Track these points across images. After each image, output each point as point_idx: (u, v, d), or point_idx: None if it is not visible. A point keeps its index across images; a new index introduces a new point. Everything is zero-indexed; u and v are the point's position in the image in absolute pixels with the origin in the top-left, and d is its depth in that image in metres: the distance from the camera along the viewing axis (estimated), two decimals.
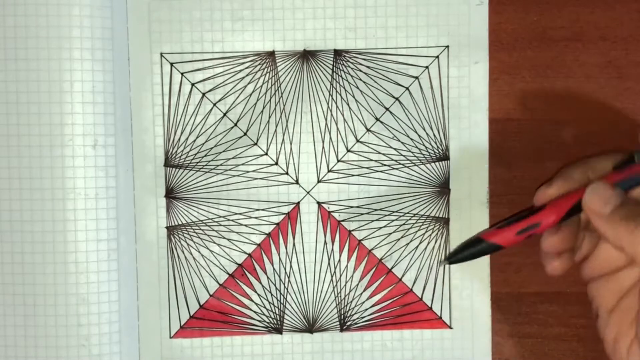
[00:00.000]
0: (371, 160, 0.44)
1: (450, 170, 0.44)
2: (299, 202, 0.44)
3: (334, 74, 0.44)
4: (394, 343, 0.44)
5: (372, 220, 0.44)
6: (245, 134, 0.44)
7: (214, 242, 0.44)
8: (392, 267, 0.44)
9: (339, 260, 0.44)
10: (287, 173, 0.44)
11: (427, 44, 0.44)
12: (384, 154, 0.44)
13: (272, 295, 0.44)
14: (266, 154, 0.44)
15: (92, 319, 0.42)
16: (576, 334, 0.45)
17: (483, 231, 0.40)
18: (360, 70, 0.44)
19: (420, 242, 0.44)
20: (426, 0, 0.43)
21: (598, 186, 0.37)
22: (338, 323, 0.44)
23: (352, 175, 0.44)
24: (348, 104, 0.44)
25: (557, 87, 0.44)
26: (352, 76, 0.44)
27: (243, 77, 0.44)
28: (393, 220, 0.44)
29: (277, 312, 0.44)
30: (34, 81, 0.42)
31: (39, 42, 0.42)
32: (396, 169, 0.44)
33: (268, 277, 0.44)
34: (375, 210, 0.44)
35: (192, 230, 0.44)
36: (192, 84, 0.44)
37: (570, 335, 0.45)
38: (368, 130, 0.44)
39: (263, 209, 0.44)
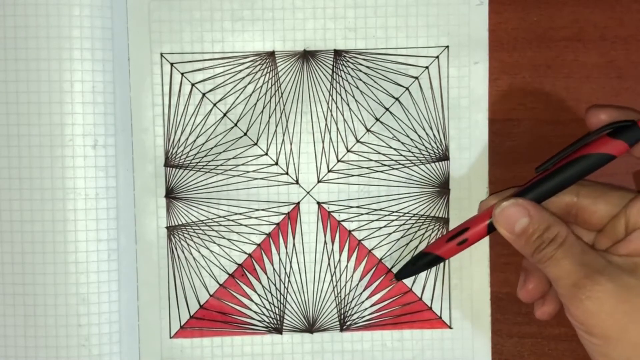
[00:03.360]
0: (371, 160, 0.44)
1: (450, 170, 0.44)
2: (299, 202, 0.44)
3: (334, 74, 0.44)
4: (394, 343, 0.44)
5: (372, 220, 0.44)
6: (245, 134, 0.44)
7: (214, 242, 0.44)
8: (392, 267, 0.44)
9: (339, 260, 0.44)
10: (287, 173, 0.44)
11: (427, 44, 0.44)
12: (384, 154, 0.44)
13: (272, 295, 0.44)
14: (266, 154, 0.44)
15: (92, 319, 0.42)
16: (576, 334, 0.44)
17: (426, 246, 0.42)
18: (360, 71, 0.44)
19: (420, 242, 0.44)
20: (426, 0, 0.43)
21: (502, 209, 0.38)
22: (338, 323, 0.44)
23: (352, 175, 0.44)
24: (348, 104, 0.44)
25: (557, 87, 0.44)
26: (352, 76, 0.44)
27: (243, 77, 0.44)
28: (393, 220, 0.44)
29: (277, 312, 0.44)
30: (34, 81, 0.42)
31: (39, 42, 0.42)
32: (396, 169, 0.44)
33: (268, 277, 0.44)
34: (375, 210, 0.44)
35: (192, 230, 0.44)
36: (192, 84, 0.44)
37: (570, 335, 0.45)
38: (368, 130, 0.44)
39: (263, 209, 0.44)
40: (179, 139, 0.44)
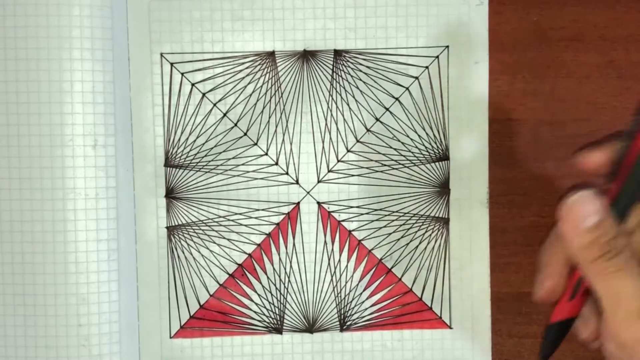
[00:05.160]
0: (371, 160, 0.44)
1: (450, 170, 0.44)
2: (299, 202, 0.44)
3: (334, 74, 0.44)
4: (394, 343, 0.44)
5: (372, 220, 0.44)
6: (245, 134, 0.44)
7: (214, 242, 0.44)
8: (392, 267, 0.44)
9: (339, 260, 0.44)
10: (287, 173, 0.44)
11: (427, 44, 0.44)
12: (384, 154, 0.44)
13: (272, 295, 0.44)
14: (266, 154, 0.44)
15: (92, 319, 0.42)
16: (576, 334, 0.44)
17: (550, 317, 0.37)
18: (360, 71, 0.44)
19: (420, 242, 0.44)
20: (426, 0, 0.43)
21: (577, 199, 0.32)
22: (338, 323, 0.44)
23: (352, 175, 0.44)
24: (348, 104, 0.44)
25: (557, 87, 0.44)
26: (352, 76, 0.44)
27: (243, 77, 0.44)
28: (393, 220, 0.44)
29: (277, 312, 0.44)
30: (34, 81, 0.42)
31: (39, 42, 0.42)
32: (396, 169, 0.44)
33: (268, 277, 0.44)
34: (375, 210, 0.44)
35: (192, 230, 0.44)
36: (192, 84, 0.44)
37: (570, 335, 0.45)
38: (368, 130, 0.44)
39: (263, 209, 0.44)
40: (179, 139, 0.44)
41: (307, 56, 0.44)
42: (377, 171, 0.44)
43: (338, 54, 0.44)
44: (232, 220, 0.44)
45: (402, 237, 0.44)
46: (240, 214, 0.44)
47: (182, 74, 0.44)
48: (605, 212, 0.32)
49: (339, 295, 0.44)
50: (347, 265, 0.44)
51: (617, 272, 0.32)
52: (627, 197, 0.33)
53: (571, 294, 0.35)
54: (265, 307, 0.44)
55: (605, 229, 0.32)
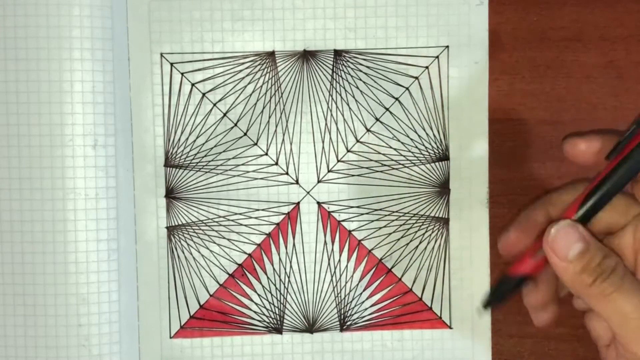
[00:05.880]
0: (371, 160, 0.44)
1: (450, 170, 0.44)
2: (299, 202, 0.44)
3: (334, 74, 0.44)
4: (394, 343, 0.44)
5: (372, 220, 0.44)
6: (245, 134, 0.44)
7: (214, 242, 0.44)
8: (392, 267, 0.44)
9: (339, 260, 0.44)
10: (287, 173, 0.44)
11: (427, 44, 0.44)
12: (383, 154, 0.44)
13: (272, 295, 0.44)
14: (266, 154, 0.44)
15: (92, 319, 0.42)
16: (576, 334, 0.45)
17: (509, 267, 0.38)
18: (360, 71, 0.44)
19: (420, 242, 0.44)
20: (426, 0, 0.43)
21: (557, 231, 0.33)
22: (338, 323, 0.44)
23: (352, 175, 0.44)
24: (348, 104, 0.44)
25: (557, 87, 0.44)
26: (352, 76, 0.44)
27: (243, 77, 0.44)
28: (393, 220, 0.44)
29: (277, 312, 0.44)
30: (34, 81, 0.42)
31: (39, 42, 0.42)
32: (396, 169, 0.44)
33: (268, 277, 0.44)
34: (375, 210, 0.44)
35: (192, 230, 0.44)
36: (192, 84, 0.44)
37: (570, 335, 0.45)
38: (368, 130, 0.44)
39: (263, 209, 0.44)
40: (179, 139, 0.44)
41: (307, 56, 0.44)
42: (377, 171, 0.44)
43: (338, 54, 0.44)
44: (232, 220, 0.44)
45: (402, 237, 0.44)
46: (240, 214, 0.44)
47: (182, 74, 0.44)
48: (587, 236, 0.33)
49: (339, 295, 0.44)
50: (347, 265, 0.44)
51: (616, 291, 0.32)
52: (615, 185, 0.34)
53: (533, 254, 0.35)
54: (265, 307, 0.44)
55: (593, 253, 0.32)
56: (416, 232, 0.44)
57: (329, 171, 0.44)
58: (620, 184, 0.34)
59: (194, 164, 0.44)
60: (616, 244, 0.35)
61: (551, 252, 0.33)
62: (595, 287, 0.32)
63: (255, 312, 0.44)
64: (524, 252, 0.37)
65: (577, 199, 0.35)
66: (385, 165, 0.44)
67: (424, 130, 0.44)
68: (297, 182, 0.44)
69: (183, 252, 0.44)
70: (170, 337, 0.44)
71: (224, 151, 0.44)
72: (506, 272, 0.37)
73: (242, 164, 0.44)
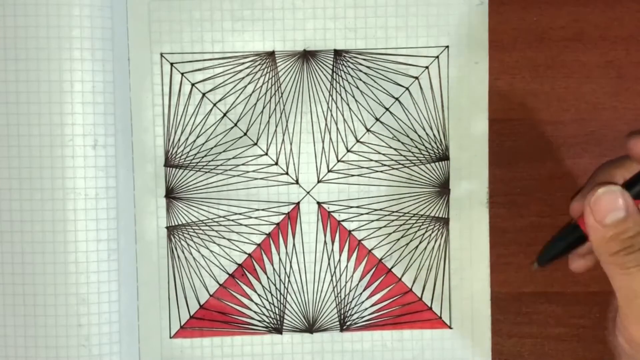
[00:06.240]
0: (371, 160, 0.44)
1: (450, 170, 0.44)
2: (299, 202, 0.44)
3: (334, 74, 0.44)
4: (394, 343, 0.44)
5: (372, 220, 0.44)
6: (245, 134, 0.44)
7: (214, 242, 0.44)
8: (392, 267, 0.44)
9: (339, 260, 0.44)
10: (287, 173, 0.44)
11: (427, 44, 0.44)
12: (384, 154, 0.44)
13: (272, 295, 0.44)
14: (266, 154, 0.44)
15: (92, 319, 0.42)
16: (576, 334, 0.45)
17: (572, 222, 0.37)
18: (360, 70, 0.44)
19: (420, 242, 0.44)
20: (426, 0, 0.43)
21: (603, 193, 0.33)
22: (338, 323, 0.44)
23: (352, 175, 0.44)
24: (348, 104, 0.44)
25: (557, 87, 0.44)
26: (352, 76, 0.44)
27: (243, 77, 0.44)
28: (393, 220, 0.44)
29: (277, 312, 0.44)
30: (34, 81, 0.42)
31: (39, 42, 0.42)
32: (396, 169, 0.44)
33: (268, 277, 0.44)
34: (375, 210, 0.44)
35: (192, 230, 0.44)
36: (192, 84, 0.44)
37: (570, 335, 0.45)
38: (368, 130, 0.44)
39: (263, 209, 0.44)
40: (179, 139, 0.44)
41: (307, 56, 0.44)
42: (377, 171, 0.44)
43: (338, 54, 0.44)
44: (232, 220, 0.44)
45: (402, 237, 0.44)
46: (240, 214, 0.44)
47: (182, 74, 0.44)
48: (631, 207, 0.32)
49: (339, 295, 0.44)
50: (347, 265, 0.44)
51: (635, 268, 0.32)
52: None
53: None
54: (265, 307, 0.44)
55: (629, 226, 0.32)
56: (416, 232, 0.44)
57: (329, 171, 0.44)
58: None
59: (194, 164, 0.44)
60: None
61: (589, 212, 0.33)
62: (617, 257, 0.32)
63: (255, 312, 0.44)
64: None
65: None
66: (385, 165, 0.44)
67: (424, 130, 0.44)
68: (297, 182, 0.44)
69: (183, 252, 0.44)
70: (170, 337, 0.44)
71: (224, 151, 0.44)
72: (569, 223, 0.36)
73: (242, 164, 0.44)
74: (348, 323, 0.44)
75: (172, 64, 0.44)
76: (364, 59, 0.44)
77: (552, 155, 0.44)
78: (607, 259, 0.33)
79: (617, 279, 0.33)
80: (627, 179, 0.36)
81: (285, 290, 0.44)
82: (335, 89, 0.44)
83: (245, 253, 0.44)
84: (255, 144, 0.44)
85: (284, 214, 0.44)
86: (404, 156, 0.44)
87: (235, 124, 0.44)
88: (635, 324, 0.33)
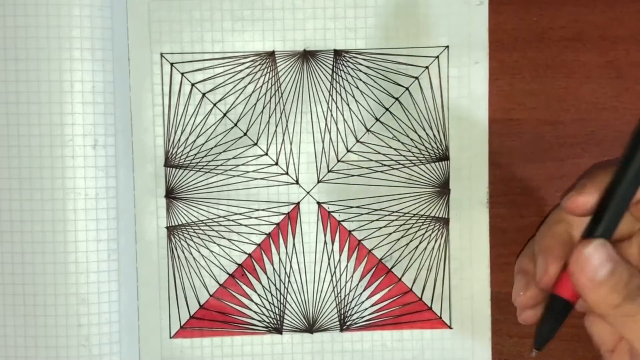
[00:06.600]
0: (371, 160, 0.44)
1: (450, 170, 0.44)
2: (299, 202, 0.44)
3: (334, 74, 0.44)
4: (394, 343, 0.44)
5: (372, 220, 0.44)
6: (245, 134, 0.44)
7: (214, 242, 0.44)
8: (392, 267, 0.44)
9: (339, 260, 0.44)
10: (287, 173, 0.44)
11: (427, 44, 0.44)
12: (384, 154, 0.44)
13: (272, 295, 0.44)
14: (266, 154, 0.44)
15: (92, 319, 0.42)
16: (576, 334, 0.44)
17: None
18: (360, 71, 0.44)
19: (420, 242, 0.44)
20: (426, 0, 0.43)
21: (582, 255, 0.32)
22: (338, 323, 0.44)
23: (352, 175, 0.44)
24: (348, 104, 0.44)
25: (557, 87, 0.44)
26: (352, 76, 0.44)
27: (243, 77, 0.44)
28: (393, 220, 0.44)
29: (277, 312, 0.44)
30: (34, 81, 0.42)
31: (39, 42, 0.42)
32: (396, 169, 0.44)
33: (268, 277, 0.44)
34: (375, 210, 0.44)
35: (192, 230, 0.44)
36: (192, 84, 0.44)
37: (570, 335, 0.45)
38: (368, 130, 0.44)
39: (263, 209, 0.44)
40: (179, 139, 0.44)
41: (307, 56, 0.44)
42: (377, 171, 0.44)
43: (338, 54, 0.44)
44: (232, 220, 0.44)
45: (402, 237, 0.44)
46: (240, 214, 0.44)
47: (182, 74, 0.44)
48: (614, 255, 0.32)
49: (339, 295, 0.44)
50: (347, 265, 0.44)
51: None
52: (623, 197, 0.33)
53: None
54: (265, 307, 0.44)
55: (620, 273, 0.31)
56: (416, 232, 0.44)
57: (329, 171, 0.44)
58: (630, 194, 0.33)
59: (194, 164, 0.44)
60: (621, 255, 0.34)
61: (580, 273, 0.32)
62: (621, 309, 0.31)
63: (255, 312, 0.44)
64: (563, 274, 0.35)
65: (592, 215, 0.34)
66: (385, 165, 0.44)
67: (424, 130, 0.44)
68: (297, 182, 0.44)
69: (183, 252, 0.44)
70: (170, 337, 0.44)
71: (224, 151, 0.44)
72: (551, 300, 0.35)
73: (242, 164, 0.44)
74: (348, 323, 0.44)
75: (172, 64, 0.44)
76: (364, 59, 0.44)
77: (552, 155, 0.44)
78: (611, 312, 0.32)
79: (629, 329, 0.32)
80: (585, 228, 0.34)
81: (285, 290, 0.44)
82: (335, 89, 0.44)
83: (245, 253, 0.44)
84: (255, 144, 0.44)
85: (284, 214, 0.44)
86: (404, 156, 0.44)
87: (235, 124, 0.44)
88: None
